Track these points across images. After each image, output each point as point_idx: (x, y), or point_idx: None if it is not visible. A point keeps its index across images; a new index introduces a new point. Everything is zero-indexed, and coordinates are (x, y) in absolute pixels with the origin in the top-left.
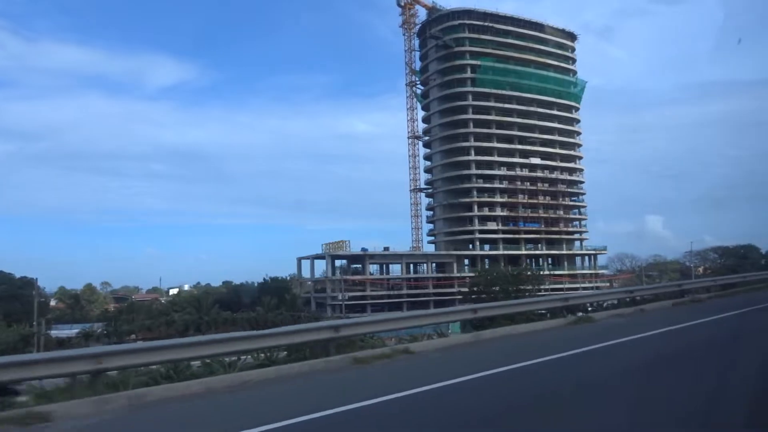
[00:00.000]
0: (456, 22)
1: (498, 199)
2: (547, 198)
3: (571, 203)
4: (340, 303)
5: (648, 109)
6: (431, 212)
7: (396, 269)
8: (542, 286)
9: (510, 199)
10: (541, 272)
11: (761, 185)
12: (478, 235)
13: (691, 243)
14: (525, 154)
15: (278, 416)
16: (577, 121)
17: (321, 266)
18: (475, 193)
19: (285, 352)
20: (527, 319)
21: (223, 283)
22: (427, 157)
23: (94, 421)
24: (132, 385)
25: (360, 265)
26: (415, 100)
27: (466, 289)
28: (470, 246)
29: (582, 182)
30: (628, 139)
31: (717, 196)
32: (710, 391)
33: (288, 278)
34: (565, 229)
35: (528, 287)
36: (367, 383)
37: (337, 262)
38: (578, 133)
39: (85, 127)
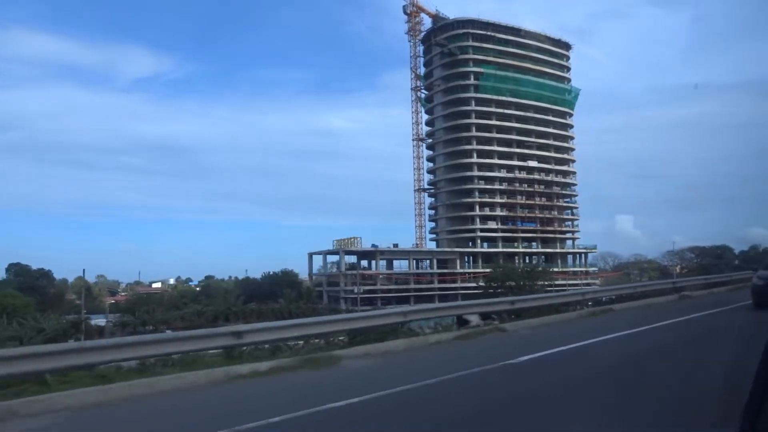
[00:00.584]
0: (461, 31)
1: (498, 199)
2: (543, 199)
3: (564, 204)
4: (355, 296)
5: (621, 111)
6: (433, 211)
7: (399, 266)
8: (548, 282)
9: (509, 200)
10: (541, 269)
11: (731, 187)
12: (479, 234)
13: (674, 243)
14: (523, 157)
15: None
16: (571, 126)
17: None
18: (476, 193)
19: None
20: (555, 310)
21: (233, 277)
22: (430, 159)
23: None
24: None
25: (366, 262)
26: (419, 104)
27: (471, 284)
28: (470, 244)
29: (575, 184)
30: (601, 140)
31: (688, 197)
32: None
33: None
34: (559, 228)
35: (539, 283)
36: (466, 355)
37: (334, 258)
38: (572, 138)
39: (58, 119)
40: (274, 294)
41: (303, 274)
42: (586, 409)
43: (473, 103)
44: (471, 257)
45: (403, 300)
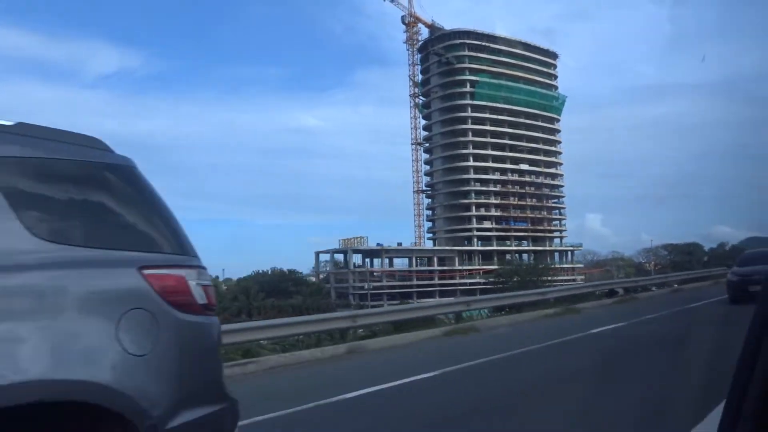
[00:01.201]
0: (457, 41)
1: (492, 200)
2: (533, 200)
3: (552, 204)
4: (364, 292)
5: (588, 111)
6: (430, 212)
7: (399, 263)
8: (550, 278)
9: (502, 201)
10: (543, 266)
11: (697, 185)
12: (475, 233)
13: (651, 241)
14: (515, 160)
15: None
16: (558, 131)
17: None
18: (473, 195)
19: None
20: (579, 300)
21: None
22: (427, 162)
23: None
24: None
25: (369, 260)
26: (417, 110)
27: (470, 280)
28: (466, 242)
29: (562, 186)
30: (570, 140)
31: (655, 195)
32: None
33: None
34: (548, 227)
35: (543, 278)
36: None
37: (338, 256)
38: (559, 142)
39: (19, 114)
40: (280, 291)
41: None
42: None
43: (469, 109)
44: (468, 255)
45: (406, 296)
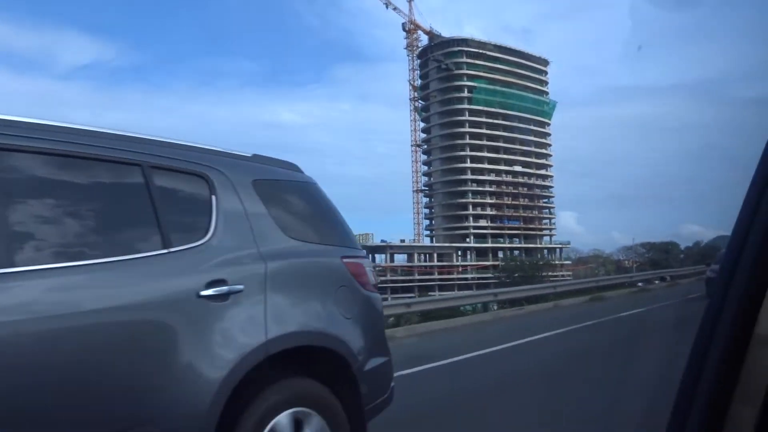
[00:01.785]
0: (456, 49)
1: (488, 200)
2: (525, 200)
3: (543, 204)
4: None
5: (563, 111)
6: (428, 210)
7: (399, 259)
8: (550, 273)
9: (497, 200)
10: (543, 262)
11: (666, 185)
12: (472, 231)
13: (633, 239)
14: (509, 162)
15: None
16: (549, 134)
17: None
18: (469, 194)
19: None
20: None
21: None
22: (426, 163)
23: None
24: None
25: (371, 255)
26: (416, 113)
27: (468, 275)
28: (464, 240)
29: (551, 186)
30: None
31: (626, 194)
32: None
33: None
34: (539, 226)
35: (543, 273)
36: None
37: None
38: (549, 145)
39: None
40: None
41: None
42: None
43: (467, 113)
44: (464, 251)
45: (408, 290)
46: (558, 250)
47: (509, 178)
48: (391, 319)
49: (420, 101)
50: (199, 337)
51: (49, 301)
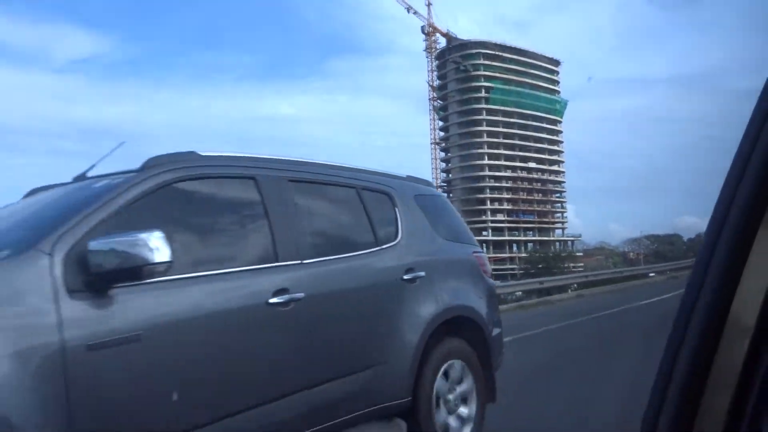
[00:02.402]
0: (474, 51)
1: (504, 195)
2: (539, 194)
3: (556, 199)
4: None
5: None
6: None
7: None
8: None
9: (513, 195)
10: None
11: (663, 178)
12: (489, 224)
13: (641, 232)
14: (524, 159)
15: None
16: (560, 132)
17: None
18: (487, 190)
19: None
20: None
21: None
22: (444, 160)
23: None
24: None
25: None
26: (435, 112)
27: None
28: (482, 233)
29: (563, 182)
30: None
31: (623, 187)
32: None
33: None
34: (552, 219)
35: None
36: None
37: None
38: (561, 142)
39: None
40: None
41: None
42: None
43: (484, 113)
44: (481, 244)
45: None
46: (570, 242)
47: (524, 174)
48: None
49: (438, 101)
50: (404, 307)
51: (323, 279)
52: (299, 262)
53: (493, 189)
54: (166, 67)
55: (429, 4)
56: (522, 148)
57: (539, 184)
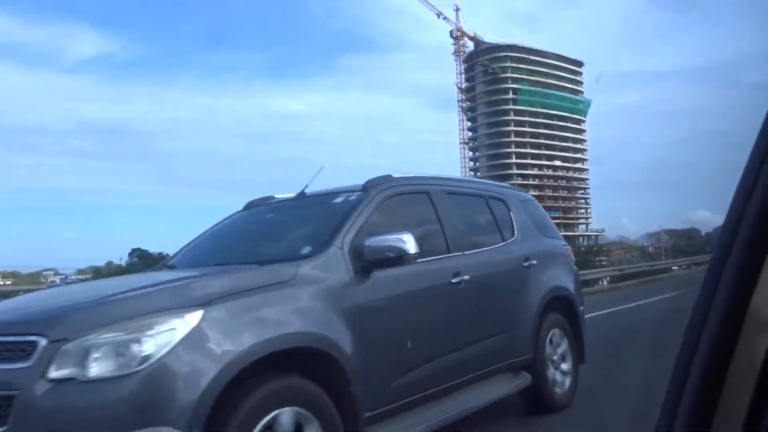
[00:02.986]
0: (501, 54)
1: (531, 192)
2: (565, 191)
3: (580, 195)
4: None
5: None
6: None
7: None
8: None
9: (540, 193)
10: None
11: (675, 171)
12: None
13: (660, 226)
14: (549, 157)
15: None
16: (584, 131)
17: None
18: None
19: None
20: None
21: None
22: (472, 159)
23: None
24: None
25: None
26: (463, 113)
27: None
28: None
29: (587, 179)
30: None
31: (634, 181)
32: None
33: None
34: (576, 215)
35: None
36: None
37: None
38: (584, 141)
39: None
40: None
41: None
42: None
43: (512, 113)
44: None
45: None
46: (594, 237)
47: (550, 172)
48: None
49: (467, 102)
50: (526, 287)
51: (478, 265)
52: (462, 253)
53: (520, 187)
54: (176, 66)
55: (457, 10)
56: (548, 147)
57: (564, 182)
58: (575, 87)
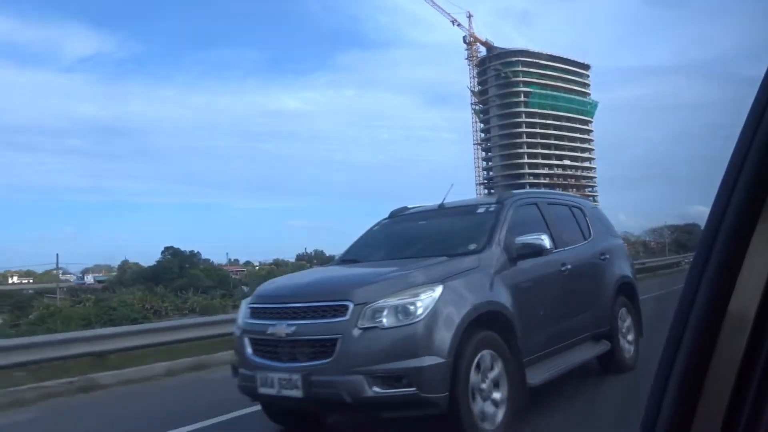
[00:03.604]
0: (513, 59)
1: (543, 191)
2: (574, 190)
3: (588, 193)
4: None
5: None
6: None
7: None
8: None
9: (551, 191)
10: None
11: (671, 166)
12: None
13: (665, 222)
14: (559, 157)
15: None
16: (591, 131)
17: None
18: (527, 186)
19: None
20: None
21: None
22: (485, 159)
23: None
24: None
25: None
26: (476, 115)
27: None
28: None
29: (595, 177)
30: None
31: (630, 176)
32: None
33: None
34: None
35: None
36: None
37: None
38: (592, 140)
39: None
40: None
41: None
42: None
43: (523, 115)
44: None
45: None
46: None
47: (560, 171)
48: None
49: (479, 105)
50: (603, 274)
51: (575, 258)
52: (563, 249)
53: (532, 186)
54: (173, 64)
55: (470, 17)
56: (557, 147)
57: (573, 180)
58: (583, 90)
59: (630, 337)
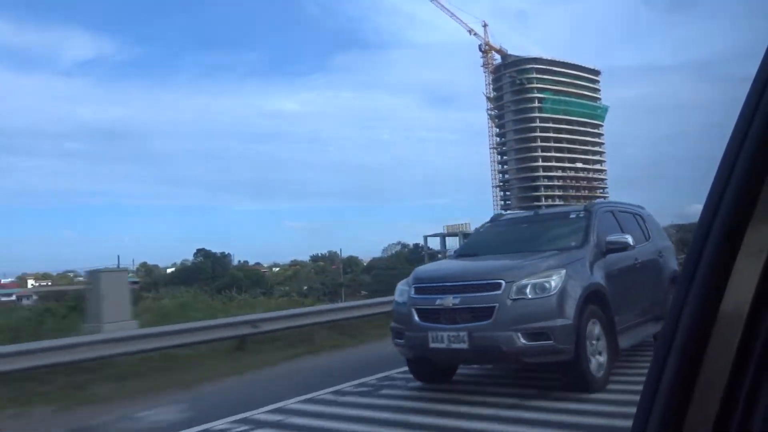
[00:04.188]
0: (527, 66)
1: (556, 192)
2: (586, 191)
3: (599, 195)
4: None
5: None
6: (503, 202)
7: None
8: None
9: (564, 193)
10: None
11: (671, 166)
12: None
13: (671, 221)
14: (572, 160)
15: None
16: (602, 134)
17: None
18: (542, 188)
19: None
20: None
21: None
22: (500, 162)
23: None
24: None
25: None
26: (492, 120)
27: None
28: None
29: (606, 179)
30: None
31: (630, 176)
32: None
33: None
34: None
35: None
36: None
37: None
38: (602, 143)
39: None
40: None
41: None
42: None
43: (537, 120)
44: None
45: None
46: None
47: (573, 173)
48: None
49: (495, 110)
50: (661, 269)
51: (643, 254)
52: (635, 246)
53: (546, 187)
54: (171, 67)
55: (485, 26)
56: (570, 151)
57: (585, 182)
58: (593, 95)
59: None
